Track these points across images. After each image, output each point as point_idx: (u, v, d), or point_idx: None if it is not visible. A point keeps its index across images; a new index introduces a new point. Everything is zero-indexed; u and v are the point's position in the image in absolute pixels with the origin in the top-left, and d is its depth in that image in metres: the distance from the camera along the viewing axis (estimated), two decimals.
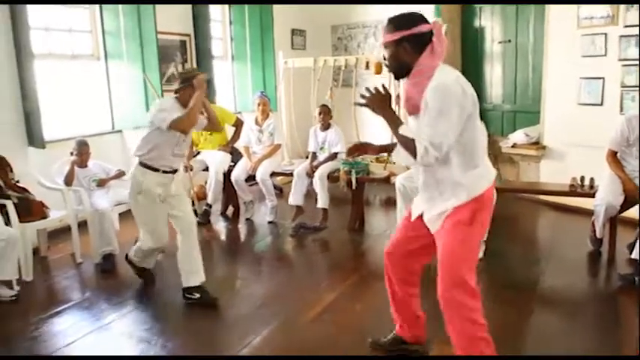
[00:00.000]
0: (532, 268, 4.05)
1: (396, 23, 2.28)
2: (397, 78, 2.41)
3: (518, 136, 5.89)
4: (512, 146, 5.88)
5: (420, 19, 2.27)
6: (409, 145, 2.18)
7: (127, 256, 3.81)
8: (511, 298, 3.44)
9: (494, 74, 6.61)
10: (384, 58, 2.37)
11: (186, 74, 3.47)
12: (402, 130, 2.23)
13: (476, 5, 6.59)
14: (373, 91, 2.33)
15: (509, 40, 6.34)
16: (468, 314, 2.28)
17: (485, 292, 3.68)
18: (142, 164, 3.40)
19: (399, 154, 2.31)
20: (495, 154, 5.69)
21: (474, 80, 6.25)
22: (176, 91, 3.44)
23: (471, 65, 6.73)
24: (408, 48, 2.25)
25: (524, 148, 5.82)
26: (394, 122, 2.28)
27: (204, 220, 5.19)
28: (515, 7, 6.21)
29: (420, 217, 2.44)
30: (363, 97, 2.35)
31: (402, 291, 2.63)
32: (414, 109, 2.28)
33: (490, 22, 6.54)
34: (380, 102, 2.32)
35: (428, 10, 6.30)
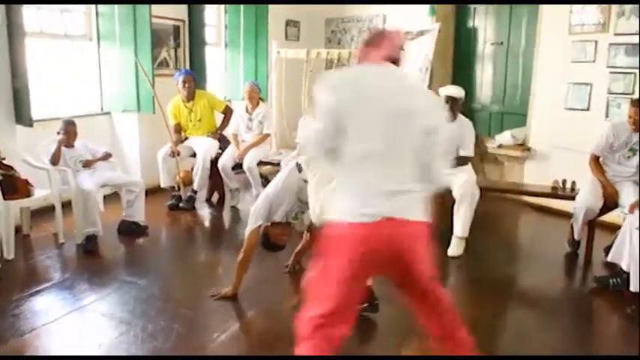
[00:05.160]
0: (511, 267, 4.13)
1: None
2: None
3: (505, 137, 5.95)
4: (498, 147, 5.94)
5: None
6: None
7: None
8: (488, 294, 3.50)
9: (484, 75, 6.66)
10: None
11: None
12: None
13: (470, 6, 6.63)
14: None
15: (502, 43, 6.39)
16: None
17: (463, 288, 3.78)
18: None
19: None
20: (481, 154, 5.78)
21: (465, 80, 6.38)
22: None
23: (463, 65, 6.78)
24: None
25: (509, 149, 5.89)
26: None
27: (189, 206, 5.20)
28: (509, 10, 6.26)
29: None
30: None
31: None
32: None
33: (484, 22, 6.58)
34: None
35: (423, 9, 6.33)
